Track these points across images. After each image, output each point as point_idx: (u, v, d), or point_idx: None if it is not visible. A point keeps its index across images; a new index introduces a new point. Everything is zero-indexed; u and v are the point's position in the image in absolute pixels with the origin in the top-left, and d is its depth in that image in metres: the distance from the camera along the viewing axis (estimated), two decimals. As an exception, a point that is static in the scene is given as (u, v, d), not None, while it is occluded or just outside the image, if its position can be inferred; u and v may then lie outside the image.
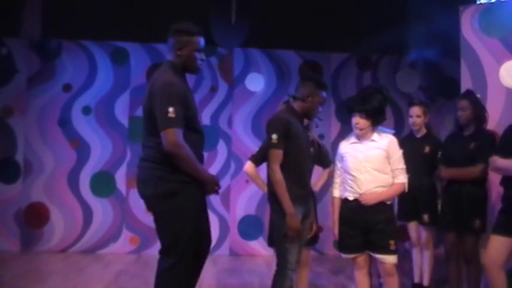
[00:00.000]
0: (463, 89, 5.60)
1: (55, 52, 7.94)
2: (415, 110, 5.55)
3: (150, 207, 3.79)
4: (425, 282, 5.49)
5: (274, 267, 4.06)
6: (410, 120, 5.61)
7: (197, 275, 3.93)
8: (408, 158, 4.50)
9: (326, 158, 5.05)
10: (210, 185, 3.78)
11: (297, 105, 4.20)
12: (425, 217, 5.39)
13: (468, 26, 5.68)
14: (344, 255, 4.48)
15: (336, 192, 4.54)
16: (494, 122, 5.36)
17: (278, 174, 3.94)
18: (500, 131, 5.27)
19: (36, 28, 8.10)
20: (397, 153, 4.37)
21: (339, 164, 4.54)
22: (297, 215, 3.95)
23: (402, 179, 4.34)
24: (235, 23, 7.72)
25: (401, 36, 7.22)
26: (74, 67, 8.02)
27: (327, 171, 5.07)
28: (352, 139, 4.49)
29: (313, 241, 4.80)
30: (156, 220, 3.76)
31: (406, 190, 4.40)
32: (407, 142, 5.22)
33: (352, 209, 4.36)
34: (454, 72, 6.18)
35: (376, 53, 8.51)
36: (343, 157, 4.47)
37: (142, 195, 3.78)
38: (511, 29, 5.47)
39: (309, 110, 4.21)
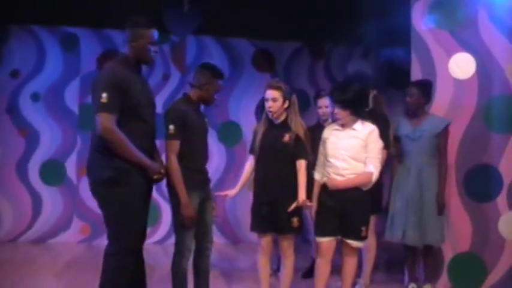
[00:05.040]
0: (413, 80, 5.71)
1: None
2: (324, 101, 5.75)
3: (93, 193, 3.92)
4: None
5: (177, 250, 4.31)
6: (320, 111, 5.83)
7: (142, 262, 4.13)
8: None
9: (302, 151, 4.62)
10: (150, 170, 3.90)
11: (193, 93, 4.40)
12: None
13: (419, 18, 5.76)
14: (317, 239, 4.58)
15: (317, 175, 4.66)
16: (443, 112, 5.49)
17: (175, 164, 4.18)
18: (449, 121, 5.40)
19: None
20: (374, 143, 4.44)
21: (321, 148, 4.64)
22: (191, 204, 4.18)
23: (371, 168, 4.41)
24: (187, 10, 7.64)
25: (354, 26, 7.26)
26: (22, 53, 7.79)
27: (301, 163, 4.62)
28: (335, 125, 4.58)
29: (293, 230, 4.64)
30: (100, 207, 3.91)
31: (373, 181, 4.44)
32: (316, 130, 5.15)
33: (328, 195, 4.49)
34: (405, 63, 6.27)
35: (328, 43, 8.57)
36: (325, 143, 4.57)
37: (88, 182, 3.94)
38: (461, 22, 5.57)
39: (206, 97, 4.42)
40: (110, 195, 3.79)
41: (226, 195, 4.90)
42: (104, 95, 3.63)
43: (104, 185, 3.78)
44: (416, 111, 5.33)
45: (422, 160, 5.22)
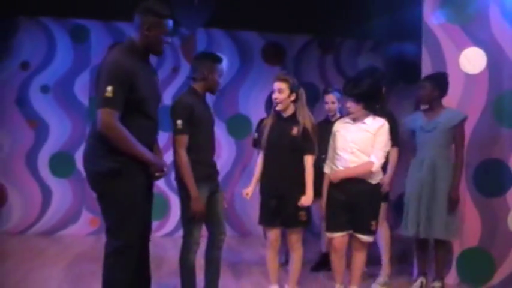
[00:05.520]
0: (423, 74, 5.68)
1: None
2: (330, 97, 5.98)
3: (91, 185, 3.69)
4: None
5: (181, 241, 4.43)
6: (326, 106, 6.03)
7: (146, 258, 3.99)
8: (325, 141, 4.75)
9: (310, 146, 4.59)
10: (154, 168, 3.75)
11: (198, 85, 4.36)
12: None
13: (430, 13, 5.74)
14: (329, 235, 4.62)
15: (327, 169, 4.70)
16: (453, 107, 5.45)
17: (184, 159, 4.15)
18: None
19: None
20: (382, 136, 4.47)
21: (331, 141, 4.67)
22: (201, 198, 4.19)
23: (373, 158, 4.43)
24: (197, 3, 7.63)
25: (364, 20, 7.24)
26: (32, 44, 7.81)
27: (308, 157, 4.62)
28: (347, 119, 4.62)
29: (301, 223, 4.65)
30: (98, 200, 3.69)
31: (374, 171, 4.46)
32: (323, 126, 5.32)
33: (337, 189, 4.52)
34: (415, 57, 6.25)
35: (338, 36, 8.55)
36: (335, 135, 4.62)
37: (85, 173, 3.72)
38: (472, 16, 5.54)
39: (212, 86, 4.39)
40: (109, 187, 3.58)
41: (247, 194, 4.85)
42: (109, 88, 3.38)
43: (104, 176, 3.56)
44: (431, 104, 5.24)
45: (436, 152, 5.13)
